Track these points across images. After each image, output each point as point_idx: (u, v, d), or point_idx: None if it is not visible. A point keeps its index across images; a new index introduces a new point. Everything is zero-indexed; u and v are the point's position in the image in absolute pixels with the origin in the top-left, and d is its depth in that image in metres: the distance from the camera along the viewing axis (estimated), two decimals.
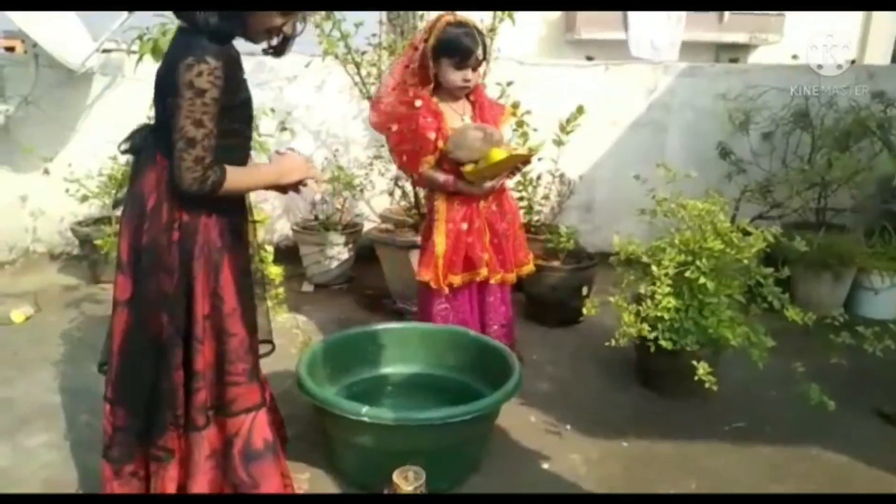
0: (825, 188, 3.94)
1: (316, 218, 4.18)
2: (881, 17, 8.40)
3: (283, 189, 1.83)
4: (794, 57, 4.26)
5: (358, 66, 3.54)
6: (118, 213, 1.96)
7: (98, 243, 3.49)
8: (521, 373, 2.15)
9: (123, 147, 1.68)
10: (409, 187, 3.83)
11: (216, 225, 1.63)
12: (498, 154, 2.44)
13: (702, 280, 2.46)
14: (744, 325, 2.51)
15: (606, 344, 2.50)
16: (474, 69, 2.47)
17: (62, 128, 4.12)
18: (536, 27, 8.06)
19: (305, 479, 2.08)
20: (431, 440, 1.97)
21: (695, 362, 2.34)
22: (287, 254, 4.16)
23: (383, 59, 3.66)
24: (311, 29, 3.38)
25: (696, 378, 2.31)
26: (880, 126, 3.84)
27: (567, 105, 3.62)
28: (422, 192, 3.67)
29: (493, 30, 3.36)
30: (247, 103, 1.68)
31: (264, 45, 1.69)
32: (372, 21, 3.74)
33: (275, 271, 2.57)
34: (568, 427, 2.49)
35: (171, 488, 1.69)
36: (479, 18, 3.44)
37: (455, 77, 2.45)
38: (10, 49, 6.26)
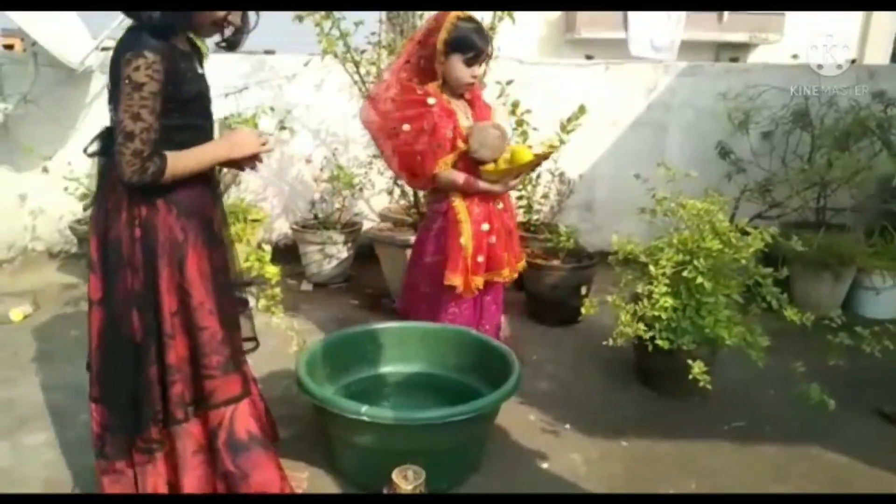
0: (825, 188, 3.93)
1: (315, 217, 4.18)
2: (881, 17, 8.37)
3: (237, 165, 1.83)
4: (795, 56, 4.25)
5: (357, 64, 3.54)
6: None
7: None
8: (520, 372, 2.15)
9: (90, 150, 1.68)
10: (408, 187, 3.82)
11: (178, 220, 1.64)
12: (526, 154, 2.44)
13: (699, 280, 2.46)
14: (740, 325, 2.50)
15: (605, 343, 2.50)
16: (481, 65, 2.46)
17: (61, 126, 4.12)
18: (536, 26, 8.04)
19: (304, 478, 2.08)
20: (431, 440, 1.97)
21: (690, 361, 2.33)
22: (286, 253, 4.17)
23: (383, 58, 3.66)
24: (310, 27, 3.40)
25: (690, 378, 2.31)
26: (880, 126, 3.84)
27: (567, 104, 3.61)
28: (421, 193, 3.67)
29: (492, 29, 3.35)
30: (200, 97, 1.67)
31: (217, 38, 1.70)
32: (371, 20, 3.73)
33: (271, 271, 2.56)
34: (567, 426, 2.49)
35: (160, 484, 1.70)
36: (479, 17, 3.45)
37: (464, 73, 2.42)
38: (9, 47, 6.25)
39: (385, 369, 2.53)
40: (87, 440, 2.17)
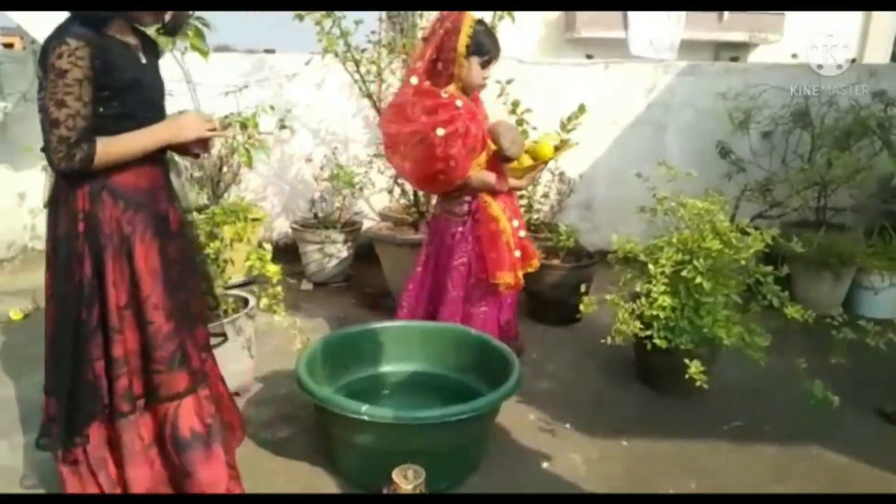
0: (825, 187, 3.94)
1: (315, 216, 4.17)
2: (881, 16, 8.37)
3: (185, 150, 1.80)
4: (794, 56, 4.25)
5: (357, 63, 3.54)
6: None
7: None
8: (520, 372, 2.15)
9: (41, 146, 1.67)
10: (408, 186, 3.82)
11: (124, 213, 1.63)
12: (549, 149, 2.53)
13: (698, 279, 2.46)
14: (739, 325, 2.50)
15: (604, 342, 2.50)
16: (491, 67, 2.50)
17: None
18: (536, 26, 8.04)
19: None
20: (431, 439, 1.97)
21: (688, 361, 2.33)
22: (286, 252, 4.16)
23: (383, 57, 3.66)
24: (310, 26, 3.40)
25: (687, 377, 2.31)
26: (880, 125, 3.84)
27: (567, 104, 3.61)
28: (432, 197, 3.66)
29: (493, 28, 3.35)
30: (136, 85, 1.63)
31: (158, 26, 1.70)
32: (371, 19, 3.73)
33: (272, 270, 2.55)
34: (567, 426, 2.49)
35: (102, 476, 1.71)
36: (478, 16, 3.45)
37: (479, 75, 2.45)
38: (9, 46, 6.25)
39: (385, 368, 2.53)
40: None
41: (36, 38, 3.54)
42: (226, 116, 3.57)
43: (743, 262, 2.53)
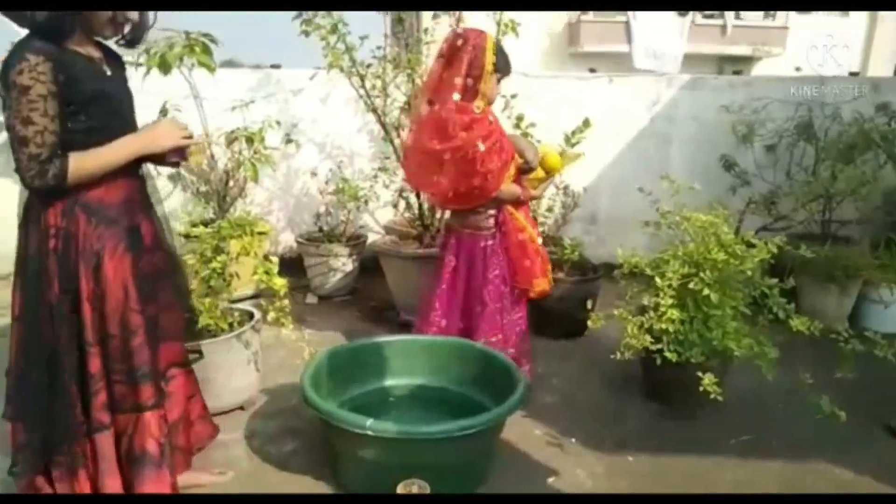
0: (830, 200, 3.93)
1: (320, 229, 4.19)
2: (885, 30, 8.42)
3: (161, 160, 1.78)
4: (798, 69, 4.29)
5: (363, 78, 3.56)
6: None
7: None
8: (525, 386, 2.14)
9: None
10: (413, 199, 3.84)
11: (95, 229, 1.62)
12: (558, 161, 2.70)
13: (706, 291, 2.46)
14: (748, 336, 2.49)
15: (611, 356, 2.50)
16: None
17: None
18: (540, 40, 8.11)
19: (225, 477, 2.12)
20: (436, 454, 1.96)
21: (700, 374, 2.33)
22: (291, 265, 4.17)
23: (388, 72, 3.69)
24: (316, 41, 3.43)
25: (701, 390, 2.30)
26: (884, 138, 3.84)
27: (571, 117, 3.63)
28: (422, 206, 3.68)
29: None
30: (102, 97, 1.62)
31: (117, 37, 1.68)
32: (377, 34, 3.76)
33: (279, 283, 2.56)
34: (573, 440, 2.48)
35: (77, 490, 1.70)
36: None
37: (496, 91, 2.53)
38: None
39: (390, 382, 2.53)
40: None
41: None
42: (232, 131, 3.62)
43: (749, 274, 2.53)
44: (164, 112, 3.35)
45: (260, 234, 3.82)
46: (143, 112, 2.98)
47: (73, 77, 1.53)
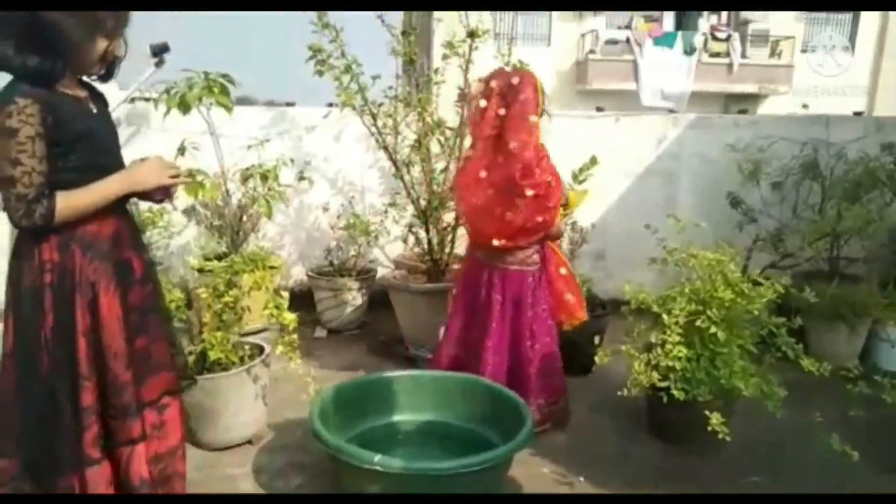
0: (837, 238, 3.94)
1: (331, 263, 4.24)
2: (890, 70, 8.51)
3: (147, 197, 1.81)
4: (805, 106, 4.35)
5: (374, 117, 3.66)
6: None
7: None
8: (532, 423, 2.15)
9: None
10: (422, 234, 3.88)
11: (91, 263, 1.65)
12: (577, 197, 2.89)
13: (713, 329, 2.47)
14: (756, 375, 2.49)
15: (619, 393, 2.50)
16: None
17: None
18: (548, 78, 8.25)
19: None
20: (443, 490, 1.96)
21: (707, 412, 2.32)
22: (301, 299, 4.21)
23: (399, 111, 3.78)
24: (329, 81, 3.54)
25: (709, 429, 2.29)
26: (890, 177, 3.87)
27: (578, 155, 3.69)
28: (431, 241, 3.72)
29: None
30: (90, 135, 1.66)
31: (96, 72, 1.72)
32: (388, 74, 3.88)
33: (289, 318, 2.60)
34: (581, 479, 2.46)
35: None
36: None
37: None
38: None
39: (398, 417, 2.54)
40: None
41: None
42: (247, 168, 3.71)
43: (756, 313, 2.54)
44: (182, 150, 3.44)
45: (272, 268, 3.87)
46: (163, 148, 3.07)
47: (60, 118, 1.58)
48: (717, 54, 15.08)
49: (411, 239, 4.06)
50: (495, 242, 2.62)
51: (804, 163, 4.14)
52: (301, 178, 4.04)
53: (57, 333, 1.62)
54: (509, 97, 2.54)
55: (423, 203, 3.75)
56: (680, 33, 14.88)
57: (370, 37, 3.84)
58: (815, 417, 2.31)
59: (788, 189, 4.23)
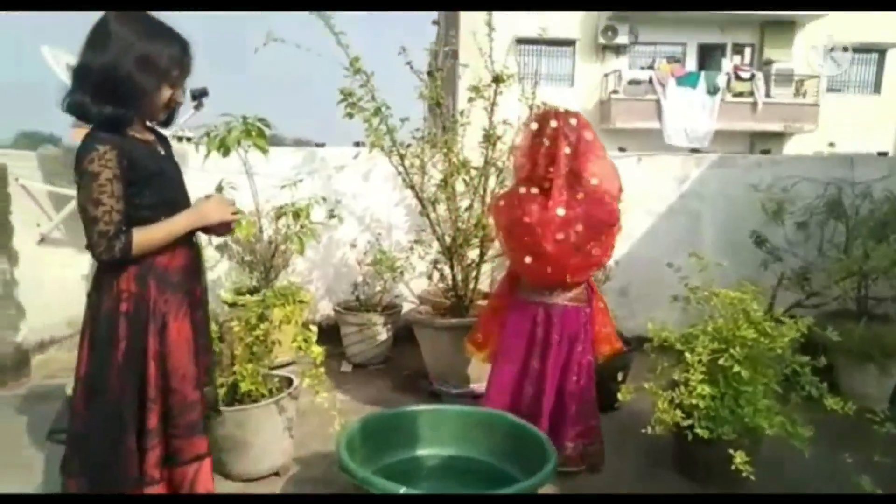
0: (865, 277, 3.91)
1: (357, 298, 4.32)
2: None
3: (211, 231, 1.97)
4: (831, 145, 4.36)
5: (402, 157, 3.78)
6: None
7: None
8: (556, 459, 2.16)
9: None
10: (446, 270, 3.95)
11: (162, 294, 1.78)
12: None
13: (736, 368, 2.47)
14: (780, 414, 2.48)
15: (643, 431, 2.50)
16: None
17: None
18: None
19: None
20: None
21: (732, 451, 2.31)
22: (328, 333, 4.29)
23: (426, 152, 3.90)
24: (359, 123, 3.68)
25: (734, 468, 2.28)
26: None
27: None
28: (455, 278, 3.77)
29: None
30: (161, 174, 1.82)
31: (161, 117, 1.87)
32: (416, 117, 4.02)
33: (317, 351, 2.68)
34: None
35: None
36: (517, 114, 3.68)
37: None
38: None
39: (422, 452, 2.56)
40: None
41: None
42: (281, 207, 3.85)
43: (779, 352, 2.54)
44: (219, 189, 3.60)
45: (301, 302, 3.97)
46: (202, 186, 3.22)
47: (134, 160, 1.74)
48: (740, 94, 15.13)
49: (436, 275, 4.14)
50: (568, 279, 2.66)
51: (829, 202, 4.14)
52: (332, 216, 4.16)
53: (128, 358, 1.74)
54: (572, 136, 2.65)
55: (448, 240, 3.84)
56: (703, 73, 15.00)
57: (398, 79, 4.00)
58: (843, 458, 2.28)
59: (813, 228, 4.22)
